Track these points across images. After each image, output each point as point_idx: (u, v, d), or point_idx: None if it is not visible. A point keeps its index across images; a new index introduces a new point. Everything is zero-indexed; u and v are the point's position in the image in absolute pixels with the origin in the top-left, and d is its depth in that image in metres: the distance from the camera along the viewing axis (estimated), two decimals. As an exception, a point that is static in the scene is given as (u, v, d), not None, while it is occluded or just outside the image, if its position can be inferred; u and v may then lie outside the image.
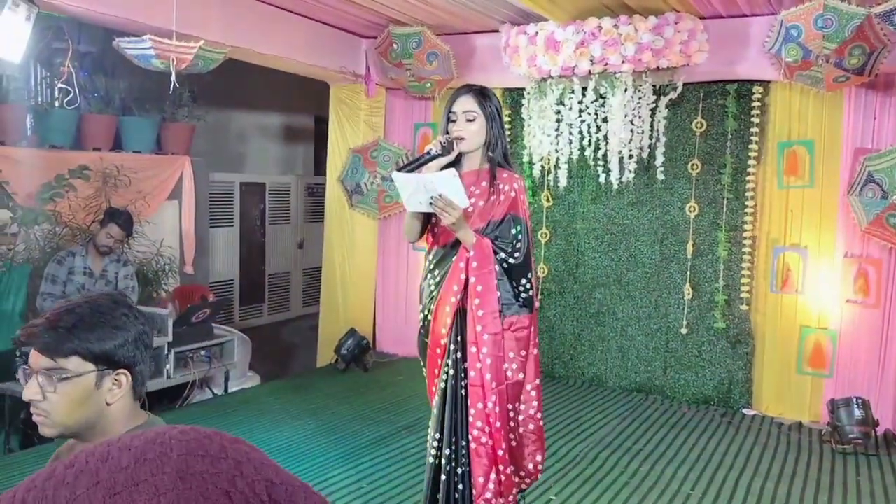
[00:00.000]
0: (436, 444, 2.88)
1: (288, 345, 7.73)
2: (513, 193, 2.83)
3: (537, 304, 2.92)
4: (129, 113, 6.00)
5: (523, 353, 2.83)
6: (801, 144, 5.12)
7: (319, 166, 8.75)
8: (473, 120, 2.81)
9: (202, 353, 5.12)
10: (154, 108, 6.12)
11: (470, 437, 2.80)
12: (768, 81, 5.15)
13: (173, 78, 4.12)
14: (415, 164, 2.76)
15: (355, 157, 6.39)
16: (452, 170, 2.67)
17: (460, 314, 2.81)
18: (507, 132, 6.08)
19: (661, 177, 5.33)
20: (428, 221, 2.91)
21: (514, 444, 2.87)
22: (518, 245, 2.79)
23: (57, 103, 5.53)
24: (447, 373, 2.85)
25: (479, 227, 2.81)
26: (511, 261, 2.78)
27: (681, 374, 5.56)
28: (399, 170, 2.72)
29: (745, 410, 5.33)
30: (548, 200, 5.99)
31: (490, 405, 2.76)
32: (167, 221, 6.35)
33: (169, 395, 5.06)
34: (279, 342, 7.75)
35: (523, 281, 2.81)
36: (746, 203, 5.29)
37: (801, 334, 5.14)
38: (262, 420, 4.85)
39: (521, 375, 2.82)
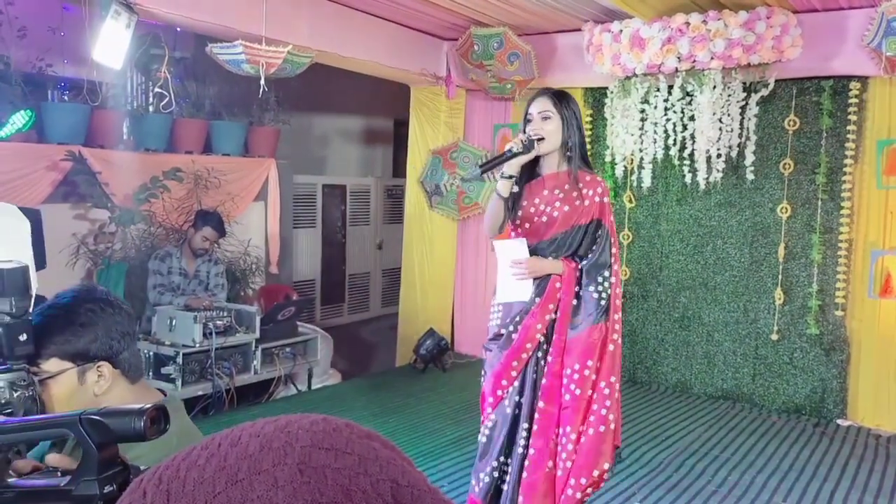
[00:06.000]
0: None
1: (367, 344, 7.82)
2: (597, 199, 2.88)
3: (618, 303, 2.90)
4: (218, 117, 6.19)
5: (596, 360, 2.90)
6: (903, 142, 4.87)
7: (398, 168, 8.84)
8: (549, 118, 2.84)
9: (287, 349, 5.24)
10: (241, 112, 6.30)
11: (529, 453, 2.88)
12: (866, 77, 4.92)
13: (262, 82, 4.23)
14: (495, 162, 2.86)
15: (435, 158, 6.42)
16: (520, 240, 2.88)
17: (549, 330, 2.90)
18: (589, 132, 6.03)
19: (750, 177, 5.16)
20: (510, 210, 2.94)
21: (574, 454, 2.87)
22: (602, 258, 2.87)
23: (151, 108, 5.76)
24: (524, 377, 2.91)
25: (562, 231, 2.87)
26: (599, 290, 2.86)
27: (770, 381, 5.36)
28: (480, 166, 2.90)
29: (839, 421, 5.10)
30: (630, 201, 5.87)
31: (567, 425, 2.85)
32: (254, 222, 6.53)
33: (255, 391, 5.19)
34: (359, 341, 7.85)
35: (606, 284, 2.88)
36: (842, 204, 5.06)
37: (902, 342, 4.89)
38: (343, 417, 4.89)
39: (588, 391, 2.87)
